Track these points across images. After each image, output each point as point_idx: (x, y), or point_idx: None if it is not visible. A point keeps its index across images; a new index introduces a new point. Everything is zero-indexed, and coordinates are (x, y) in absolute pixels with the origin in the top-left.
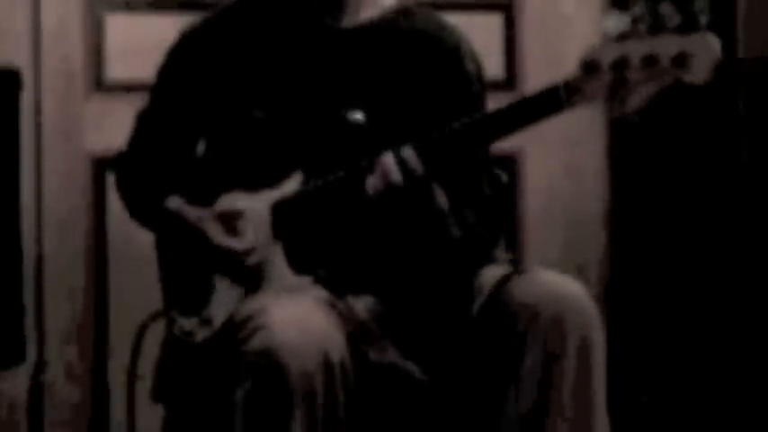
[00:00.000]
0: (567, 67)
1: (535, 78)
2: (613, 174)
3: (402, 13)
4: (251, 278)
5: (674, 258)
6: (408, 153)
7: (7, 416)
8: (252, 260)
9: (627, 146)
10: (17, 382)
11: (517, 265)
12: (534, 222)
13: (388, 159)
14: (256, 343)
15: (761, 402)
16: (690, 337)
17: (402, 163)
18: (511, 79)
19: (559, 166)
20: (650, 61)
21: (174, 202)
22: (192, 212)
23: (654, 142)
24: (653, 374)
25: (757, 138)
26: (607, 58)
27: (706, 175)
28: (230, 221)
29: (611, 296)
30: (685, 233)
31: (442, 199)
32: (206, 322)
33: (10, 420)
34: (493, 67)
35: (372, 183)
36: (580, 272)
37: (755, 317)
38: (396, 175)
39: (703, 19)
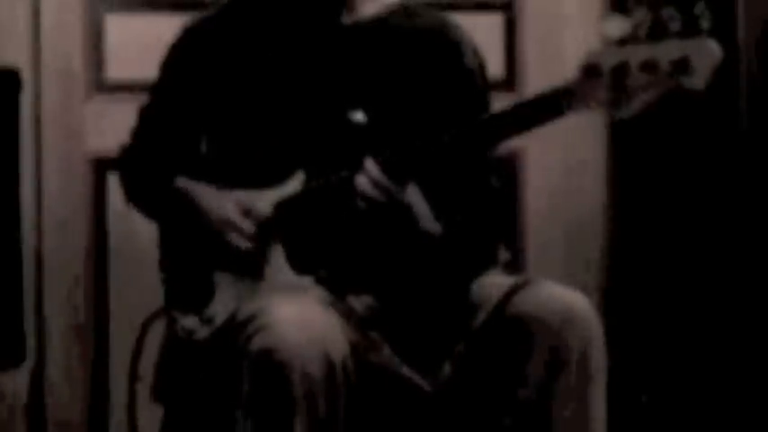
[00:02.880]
0: (567, 68)
1: (535, 78)
2: (613, 173)
3: (403, 9)
4: (251, 269)
5: (675, 258)
6: (374, 170)
7: (7, 416)
8: (251, 246)
9: (627, 145)
10: (17, 382)
11: (514, 267)
12: (534, 222)
13: (361, 179)
14: (258, 343)
15: (761, 402)
16: (690, 336)
17: (374, 181)
18: (511, 79)
19: (559, 165)
20: (650, 66)
21: (182, 181)
22: (205, 189)
23: (654, 142)
24: (653, 374)
25: (758, 137)
26: (608, 62)
27: (707, 174)
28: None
29: (612, 296)
30: (686, 233)
31: (412, 200)
32: (207, 321)
33: (10, 420)
34: (493, 67)
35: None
36: (580, 271)
37: (756, 316)
38: (371, 192)
39: (704, 24)
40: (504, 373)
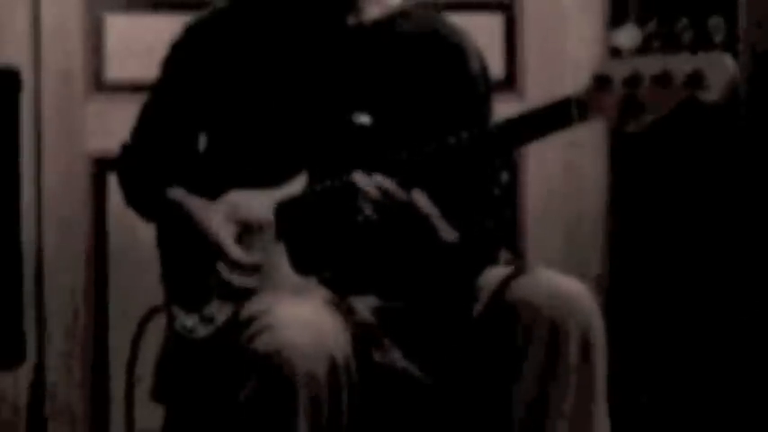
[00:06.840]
0: (567, 68)
1: (535, 78)
2: (613, 174)
3: (406, 13)
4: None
5: (675, 257)
6: (384, 180)
7: (7, 416)
8: (249, 281)
9: (627, 146)
10: (17, 382)
11: (517, 261)
12: (534, 222)
13: (363, 180)
14: (261, 343)
15: (761, 402)
16: (690, 336)
17: (380, 188)
18: (511, 79)
19: (559, 165)
20: (663, 79)
21: (177, 193)
22: (199, 205)
23: (654, 142)
24: (653, 374)
25: (757, 137)
26: (619, 73)
27: (706, 174)
28: (243, 227)
29: (612, 296)
30: (686, 232)
31: (428, 210)
32: (207, 320)
33: (10, 420)
34: (493, 67)
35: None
36: (580, 271)
37: (756, 315)
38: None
39: (718, 37)
40: (504, 361)
